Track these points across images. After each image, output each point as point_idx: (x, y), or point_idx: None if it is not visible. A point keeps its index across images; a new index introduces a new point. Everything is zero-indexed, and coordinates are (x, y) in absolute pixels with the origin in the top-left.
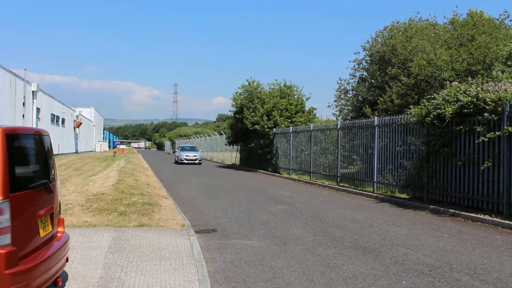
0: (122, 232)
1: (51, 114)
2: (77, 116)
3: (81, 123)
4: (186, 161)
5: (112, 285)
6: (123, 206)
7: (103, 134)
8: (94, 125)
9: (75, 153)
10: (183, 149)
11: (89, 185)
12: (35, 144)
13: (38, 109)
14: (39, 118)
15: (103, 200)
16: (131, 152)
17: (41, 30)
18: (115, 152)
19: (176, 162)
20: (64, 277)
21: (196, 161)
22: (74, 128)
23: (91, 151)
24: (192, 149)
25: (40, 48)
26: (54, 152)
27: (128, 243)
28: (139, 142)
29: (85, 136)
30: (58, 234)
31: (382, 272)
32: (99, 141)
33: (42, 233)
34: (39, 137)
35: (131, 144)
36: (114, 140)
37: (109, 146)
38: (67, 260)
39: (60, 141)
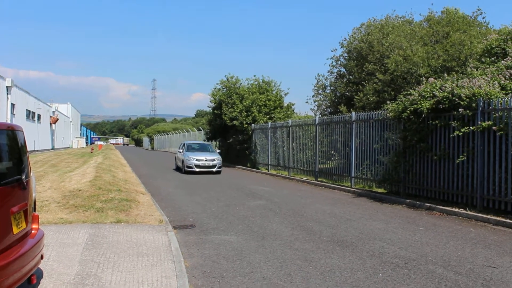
0: (99, 228)
1: (27, 110)
2: (53, 112)
3: (58, 119)
4: (198, 169)
5: (88, 282)
6: (100, 202)
7: (80, 130)
8: (71, 121)
9: (51, 149)
10: (190, 148)
11: (66, 182)
12: (8, 140)
13: (12, 105)
14: (14, 114)
15: (79, 196)
16: (108, 149)
17: (15, 25)
18: (92, 149)
19: (181, 170)
20: (39, 274)
21: (214, 169)
22: (51, 124)
23: (68, 147)
24: (204, 148)
25: (15, 44)
26: (30, 149)
27: (105, 240)
28: (117, 138)
29: (61, 132)
30: (33, 231)
31: (359, 266)
32: (76, 137)
33: (15, 230)
34: (12, 132)
35: (109, 140)
36: (92, 136)
37: (86, 143)
38: (42, 257)
39: (36, 137)
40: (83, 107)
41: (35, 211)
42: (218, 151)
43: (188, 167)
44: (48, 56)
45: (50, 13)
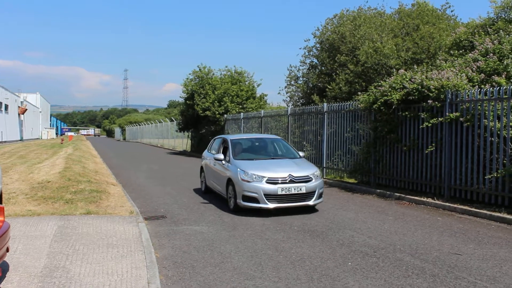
0: (68, 220)
1: None
2: (21, 102)
3: (26, 109)
4: (276, 204)
5: (56, 274)
6: (69, 194)
7: (50, 121)
8: (40, 112)
9: (20, 140)
10: (242, 150)
11: (34, 173)
12: None
13: None
14: None
15: (48, 188)
16: (79, 139)
17: None
18: (62, 139)
19: (226, 201)
20: (5, 268)
21: (311, 201)
22: (19, 114)
23: (37, 138)
24: (271, 150)
25: None
26: None
27: (74, 231)
28: (88, 129)
29: (30, 123)
30: None
31: (328, 255)
32: (45, 128)
33: None
34: None
35: (80, 131)
36: (62, 127)
37: (56, 133)
38: (7, 250)
39: (3, 128)
40: (53, 97)
41: (1, 203)
42: (301, 154)
43: (248, 198)
44: (15, 45)
45: (15, 2)
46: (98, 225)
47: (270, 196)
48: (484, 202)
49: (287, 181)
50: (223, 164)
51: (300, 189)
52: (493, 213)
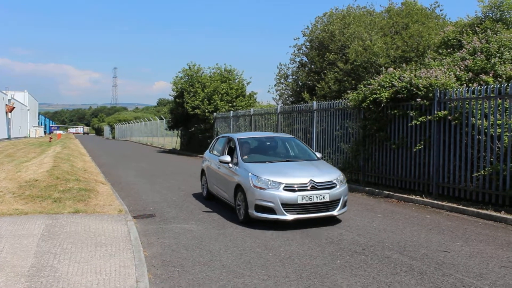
0: (56, 219)
1: None
2: (9, 100)
3: (14, 107)
4: (295, 215)
5: (44, 273)
6: (57, 192)
7: (39, 119)
8: (28, 110)
9: (7, 139)
10: (250, 151)
11: (22, 172)
12: None
13: None
14: None
15: (36, 186)
16: (68, 138)
17: None
18: (51, 138)
19: (235, 210)
20: None
21: (335, 211)
22: (6, 112)
23: (25, 136)
24: (293, 153)
25: None
26: None
27: (62, 230)
28: (77, 127)
29: (18, 121)
30: None
31: (317, 252)
32: (34, 126)
33: None
34: None
35: (69, 129)
36: (50, 125)
37: (45, 132)
38: None
39: None
40: (41, 95)
41: None
42: (319, 155)
43: (262, 208)
44: (2, 42)
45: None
46: (86, 224)
47: (289, 206)
48: (471, 199)
49: (308, 187)
50: (230, 168)
51: (323, 197)
52: (481, 211)
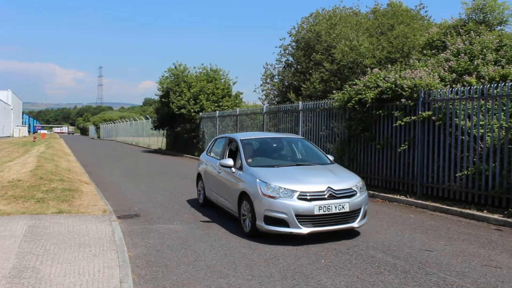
0: (39, 219)
1: None
2: None
3: None
4: (311, 228)
5: (25, 274)
6: (41, 192)
7: (22, 118)
8: (11, 109)
9: None
10: (255, 153)
11: (5, 172)
12: None
13: None
14: None
15: (19, 187)
16: (52, 137)
17: None
18: (35, 137)
19: (242, 221)
20: None
21: (355, 222)
22: None
23: (8, 136)
24: (302, 156)
25: None
26: None
27: (45, 231)
28: (62, 127)
29: (1, 120)
30: None
31: (302, 252)
32: (17, 125)
33: None
34: None
35: (53, 129)
36: (35, 124)
37: (29, 131)
38: None
39: None
40: (25, 94)
41: None
42: (331, 157)
43: (273, 219)
44: None
45: None
46: (70, 224)
47: (304, 218)
48: (455, 199)
49: (326, 196)
50: (233, 173)
51: (343, 207)
52: (464, 210)
